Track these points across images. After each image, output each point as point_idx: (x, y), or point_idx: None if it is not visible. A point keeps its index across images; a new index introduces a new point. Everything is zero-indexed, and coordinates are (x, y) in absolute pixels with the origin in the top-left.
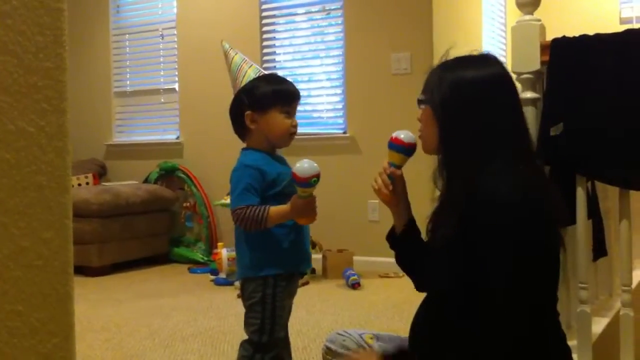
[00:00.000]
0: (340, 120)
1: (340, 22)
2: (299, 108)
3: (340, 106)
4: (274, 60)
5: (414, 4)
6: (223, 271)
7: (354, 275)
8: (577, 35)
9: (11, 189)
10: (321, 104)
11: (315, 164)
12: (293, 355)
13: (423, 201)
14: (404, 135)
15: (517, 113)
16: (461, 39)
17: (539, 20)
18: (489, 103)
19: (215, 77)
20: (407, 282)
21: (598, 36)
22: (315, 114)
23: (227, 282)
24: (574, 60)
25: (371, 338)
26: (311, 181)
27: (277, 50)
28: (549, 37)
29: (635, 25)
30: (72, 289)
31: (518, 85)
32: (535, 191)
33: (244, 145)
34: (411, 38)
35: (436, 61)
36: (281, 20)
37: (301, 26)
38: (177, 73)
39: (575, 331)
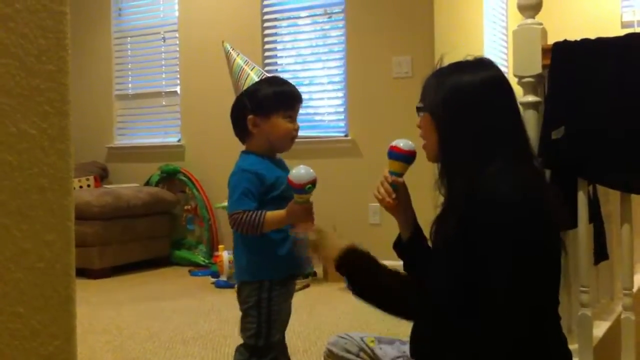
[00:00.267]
0: (342, 124)
1: (342, 25)
2: (300, 111)
3: (341, 109)
4: (275, 64)
5: (415, 7)
6: (224, 274)
7: None
8: (578, 39)
9: (13, 191)
10: (322, 107)
11: (312, 170)
12: (294, 358)
13: (428, 209)
14: (402, 143)
15: (515, 114)
16: (462, 43)
17: (541, 24)
18: (487, 105)
19: (217, 80)
20: None
21: (599, 40)
22: (316, 117)
23: (228, 285)
24: (575, 64)
25: (372, 341)
26: (306, 188)
27: (279, 54)
28: (551, 40)
29: (637, 29)
30: (74, 292)
31: (518, 89)
32: (535, 191)
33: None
34: (412, 41)
35: (437, 65)
36: (283, 23)
37: (303, 29)
38: (178, 76)
39: (576, 335)
